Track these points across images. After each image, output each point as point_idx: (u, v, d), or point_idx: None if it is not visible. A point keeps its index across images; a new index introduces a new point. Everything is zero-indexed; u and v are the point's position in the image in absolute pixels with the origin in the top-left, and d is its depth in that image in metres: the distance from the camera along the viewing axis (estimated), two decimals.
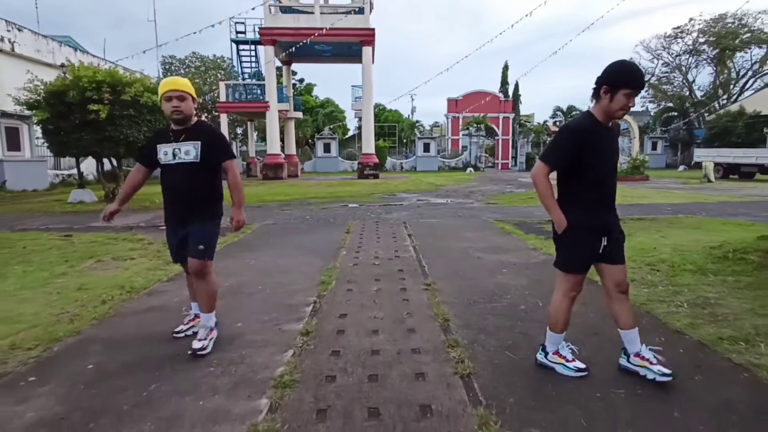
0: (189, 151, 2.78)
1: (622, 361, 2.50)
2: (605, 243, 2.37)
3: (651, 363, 2.36)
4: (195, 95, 2.88)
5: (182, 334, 3.04)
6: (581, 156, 2.30)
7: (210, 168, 2.85)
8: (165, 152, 2.83)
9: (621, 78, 2.23)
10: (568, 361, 2.48)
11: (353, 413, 2.13)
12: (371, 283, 4.29)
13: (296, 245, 6.25)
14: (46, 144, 12.35)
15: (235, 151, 25.74)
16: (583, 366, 2.45)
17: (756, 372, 2.45)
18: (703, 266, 4.44)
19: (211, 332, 2.89)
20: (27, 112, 12.97)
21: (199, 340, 2.80)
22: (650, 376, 2.33)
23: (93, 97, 10.60)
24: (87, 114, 10.55)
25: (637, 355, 2.42)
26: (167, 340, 2.99)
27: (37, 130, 17.10)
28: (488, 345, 2.87)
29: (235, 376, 2.51)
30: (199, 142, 2.79)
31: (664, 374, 2.30)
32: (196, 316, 3.08)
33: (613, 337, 2.95)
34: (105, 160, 12.73)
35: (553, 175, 2.43)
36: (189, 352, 2.72)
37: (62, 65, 13.24)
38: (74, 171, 20.14)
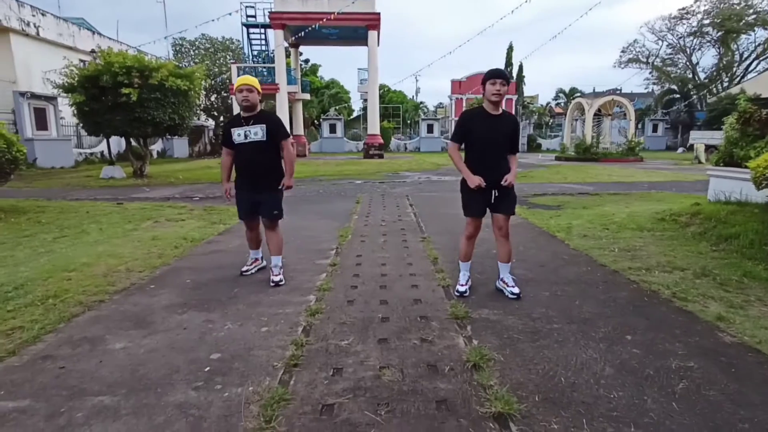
0: (257, 132, 3.60)
1: (497, 282, 3.58)
2: (496, 194, 3.35)
3: (507, 285, 3.43)
4: (260, 89, 3.68)
5: (249, 272, 4.01)
6: (467, 134, 3.35)
7: (273, 145, 3.68)
8: (238, 134, 3.62)
9: (485, 76, 3.25)
10: (459, 284, 3.52)
11: (371, 302, 3.32)
12: (379, 237, 5.47)
13: (315, 212, 7.41)
14: (80, 124, 13.45)
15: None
16: (462, 290, 3.45)
17: (642, 285, 3.61)
18: (642, 226, 5.58)
19: (281, 269, 3.88)
20: (55, 93, 14.06)
21: (276, 275, 3.76)
22: (506, 293, 3.41)
23: (124, 81, 11.67)
24: (119, 97, 11.63)
25: (502, 280, 3.50)
26: (235, 268, 4.17)
27: (62, 111, 18.29)
28: None
29: (289, 286, 3.71)
30: (265, 125, 3.62)
31: (513, 293, 3.36)
32: (256, 259, 4.10)
33: (554, 268, 4.13)
34: (132, 140, 13.85)
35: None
36: (271, 285, 3.68)
37: (93, 51, 14.23)
38: (95, 150, 21.38)
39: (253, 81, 3.67)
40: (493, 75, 3.22)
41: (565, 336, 2.72)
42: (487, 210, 3.45)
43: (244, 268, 4.04)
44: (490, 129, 3.30)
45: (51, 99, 17.92)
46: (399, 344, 2.64)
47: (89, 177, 14.33)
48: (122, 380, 2.25)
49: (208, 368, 2.36)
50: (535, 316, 3.02)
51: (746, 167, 5.07)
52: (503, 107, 3.43)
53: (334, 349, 2.58)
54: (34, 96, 17.53)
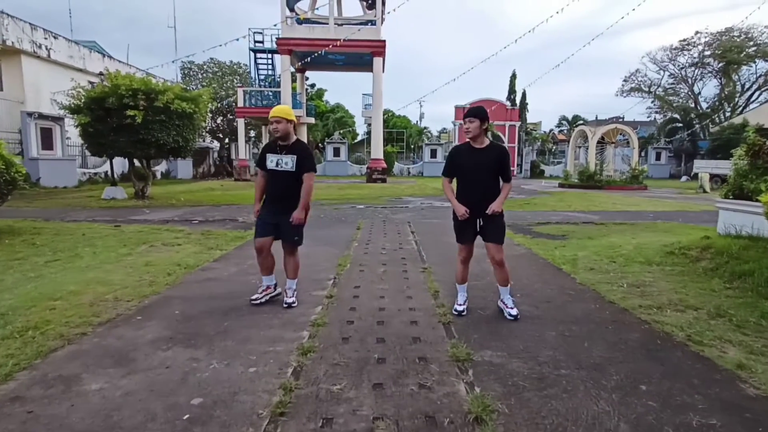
0: (288, 162, 3.72)
1: (498, 302, 3.76)
2: (481, 223, 3.55)
3: (507, 307, 3.61)
4: (293, 118, 3.78)
5: (258, 302, 3.85)
6: (455, 168, 3.64)
7: (299, 175, 3.75)
8: (272, 160, 3.75)
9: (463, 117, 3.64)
10: (457, 303, 3.72)
11: (367, 340, 3.14)
12: (379, 266, 5.31)
13: (314, 238, 7.24)
14: (84, 145, 13.49)
15: (245, 153, 26.59)
16: (460, 309, 3.66)
17: (654, 325, 3.42)
18: (651, 259, 5.39)
19: (295, 292, 3.93)
20: (62, 114, 14.18)
21: (290, 297, 3.86)
22: (505, 314, 3.59)
23: (130, 103, 11.75)
24: (124, 119, 11.69)
25: (502, 301, 3.69)
26: (228, 299, 4.01)
27: (68, 131, 18.45)
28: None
29: (282, 319, 3.53)
30: (296, 156, 3.73)
31: (511, 315, 3.53)
32: (268, 287, 3.96)
33: (561, 304, 3.96)
34: (135, 161, 13.86)
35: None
36: (284, 306, 3.78)
37: (101, 73, 14.42)
38: (99, 170, 21.48)
39: (284, 111, 3.75)
40: (465, 114, 3.59)
41: (574, 384, 2.52)
42: (479, 237, 3.66)
43: (254, 297, 3.91)
44: (473, 162, 3.56)
45: (58, 119, 18.11)
46: (395, 390, 2.45)
47: (91, 197, 14.31)
48: (92, 429, 2.07)
49: (187, 416, 2.18)
50: (542, 360, 2.83)
51: (758, 201, 4.92)
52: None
53: (325, 395, 2.40)
54: (42, 116, 17.71)
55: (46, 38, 19.01)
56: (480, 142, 3.55)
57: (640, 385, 2.52)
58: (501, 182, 3.63)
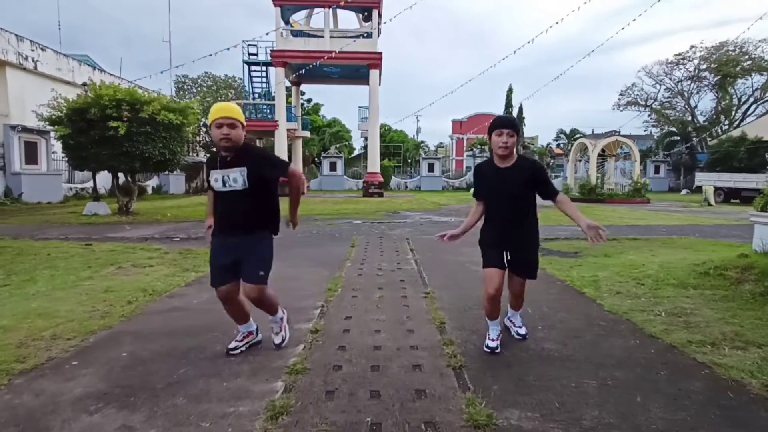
0: (236, 179, 2.73)
1: (504, 320, 3.43)
2: (508, 257, 3.01)
3: (515, 326, 3.34)
4: (244, 122, 2.83)
5: (238, 351, 2.98)
6: (481, 188, 3.15)
7: (259, 192, 2.79)
8: (215, 179, 2.78)
9: (490, 126, 2.98)
10: (489, 339, 3.11)
11: (358, 394, 2.45)
12: (374, 291, 4.63)
13: (304, 257, 6.59)
14: (65, 158, 12.87)
15: None
16: (493, 346, 3.04)
17: (716, 369, 2.75)
18: (684, 281, 4.75)
19: (282, 322, 3.13)
20: (48, 128, 13.58)
21: (276, 333, 3.09)
22: (512, 332, 3.32)
23: (113, 114, 11.15)
24: (106, 130, 11.08)
25: (510, 319, 3.40)
26: (191, 335, 3.32)
27: (54, 145, 17.80)
28: (479, 344, 3.18)
29: (253, 363, 2.84)
30: (245, 168, 2.72)
31: (519, 334, 3.27)
32: (249, 333, 3.09)
33: (593, 339, 3.29)
34: (120, 175, 13.21)
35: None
36: (275, 348, 3.04)
37: (84, 84, 13.86)
38: (87, 185, 20.77)
39: (235, 111, 2.76)
40: (498, 125, 2.92)
41: None
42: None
43: (232, 345, 2.99)
44: (500, 184, 2.99)
45: (43, 133, 17.47)
46: None
47: (73, 213, 13.59)
48: None
49: None
50: (587, 425, 2.15)
51: None
52: (515, 155, 2.99)
53: None
54: (26, 130, 17.09)
55: (33, 50, 18.49)
56: (507, 160, 2.97)
57: None
58: (535, 201, 3.07)
